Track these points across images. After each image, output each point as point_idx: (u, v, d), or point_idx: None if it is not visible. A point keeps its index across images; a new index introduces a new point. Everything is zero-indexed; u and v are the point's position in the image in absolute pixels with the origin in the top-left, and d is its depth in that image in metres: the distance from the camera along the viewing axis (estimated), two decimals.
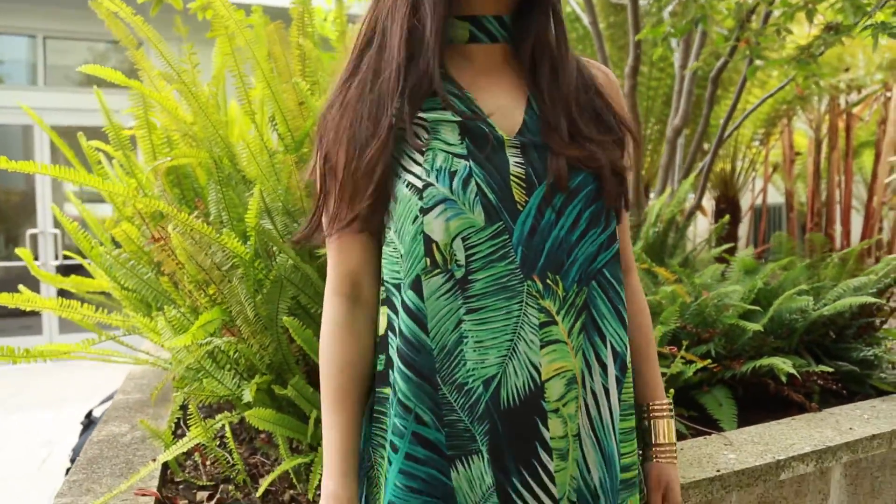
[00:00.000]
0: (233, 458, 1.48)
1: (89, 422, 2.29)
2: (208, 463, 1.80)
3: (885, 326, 2.58)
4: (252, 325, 1.42)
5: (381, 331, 0.88)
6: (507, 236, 0.81)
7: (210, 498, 1.57)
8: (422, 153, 0.81)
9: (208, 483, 1.66)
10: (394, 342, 0.86)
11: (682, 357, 1.84)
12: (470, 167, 0.80)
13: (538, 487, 0.84)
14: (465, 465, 0.84)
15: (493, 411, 0.82)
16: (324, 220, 0.89)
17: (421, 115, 0.83)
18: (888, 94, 5.75)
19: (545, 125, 0.85)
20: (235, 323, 1.44)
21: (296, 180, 1.55)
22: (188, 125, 1.68)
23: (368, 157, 0.81)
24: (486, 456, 0.83)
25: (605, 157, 0.85)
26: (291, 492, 1.56)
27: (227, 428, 1.45)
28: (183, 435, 1.81)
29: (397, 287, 0.84)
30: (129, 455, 1.70)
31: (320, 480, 1.45)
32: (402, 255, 0.83)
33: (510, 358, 0.82)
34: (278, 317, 1.49)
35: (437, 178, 0.80)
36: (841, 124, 6.08)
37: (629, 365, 0.91)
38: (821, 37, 2.55)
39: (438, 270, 0.81)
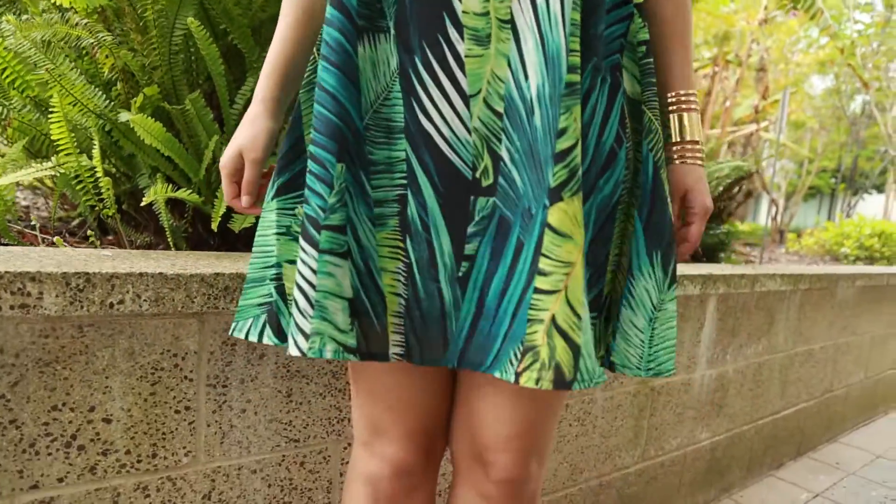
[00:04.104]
0: (101, 188, 1.16)
1: None
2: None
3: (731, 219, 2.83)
4: (146, 19, 1.12)
5: None
6: None
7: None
8: None
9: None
10: None
11: None
12: None
13: (443, 74, 0.72)
14: (371, 43, 0.73)
15: None
16: None
17: None
18: (716, 69, 6.40)
19: None
20: (120, 17, 1.13)
21: None
22: None
23: None
24: (392, 32, 0.72)
25: None
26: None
27: (97, 155, 1.13)
28: None
29: None
30: None
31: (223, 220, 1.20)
32: None
33: None
34: (174, 32, 1.20)
35: None
36: None
37: None
38: None
39: None
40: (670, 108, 0.84)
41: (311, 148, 0.73)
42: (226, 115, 1.25)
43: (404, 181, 0.75)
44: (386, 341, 0.77)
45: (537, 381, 0.67)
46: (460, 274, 0.74)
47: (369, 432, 0.86)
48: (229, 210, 1.20)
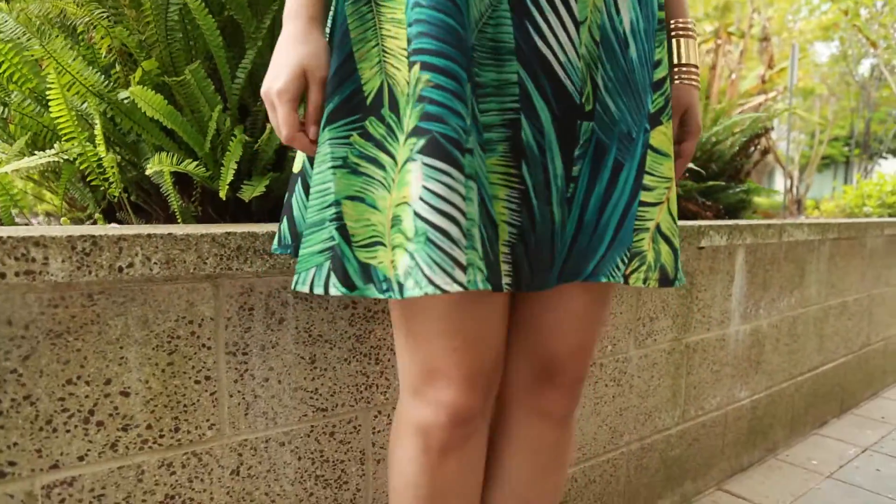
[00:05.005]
0: (104, 167, 1.14)
1: None
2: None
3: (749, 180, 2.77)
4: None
5: None
6: None
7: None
8: None
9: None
10: None
11: None
12: None
13: None
14: None
15: None
16: None
17: None
18: (719, 42, 6.33)
19: None
20: None
21: None
22: None
23: None
24: None
25: None
26: None
27: (99, 134, 1.11)
28: None
29: None
30: None
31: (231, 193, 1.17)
32: None
33: None
34: (169, 8, 1.17)
35: None
36: None
37: None
38: None
39: None
40: (672, 33, 0.91)
41: (436, 60, 0.64)
42: (227, 89, 1.22)
43: (515, 105, 0.71)
44: (499, 271, 0.72)
45: (645, 280, 0.77)
46: (568, 195, 0.76)
47: (422, 379, 0.78)
48: (237, 180, 1.16)
